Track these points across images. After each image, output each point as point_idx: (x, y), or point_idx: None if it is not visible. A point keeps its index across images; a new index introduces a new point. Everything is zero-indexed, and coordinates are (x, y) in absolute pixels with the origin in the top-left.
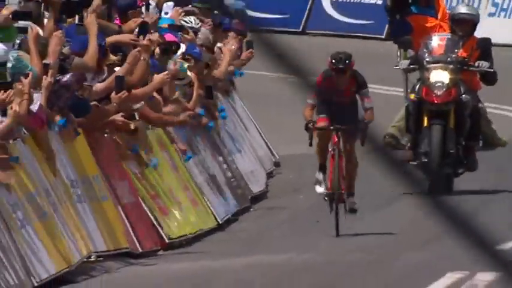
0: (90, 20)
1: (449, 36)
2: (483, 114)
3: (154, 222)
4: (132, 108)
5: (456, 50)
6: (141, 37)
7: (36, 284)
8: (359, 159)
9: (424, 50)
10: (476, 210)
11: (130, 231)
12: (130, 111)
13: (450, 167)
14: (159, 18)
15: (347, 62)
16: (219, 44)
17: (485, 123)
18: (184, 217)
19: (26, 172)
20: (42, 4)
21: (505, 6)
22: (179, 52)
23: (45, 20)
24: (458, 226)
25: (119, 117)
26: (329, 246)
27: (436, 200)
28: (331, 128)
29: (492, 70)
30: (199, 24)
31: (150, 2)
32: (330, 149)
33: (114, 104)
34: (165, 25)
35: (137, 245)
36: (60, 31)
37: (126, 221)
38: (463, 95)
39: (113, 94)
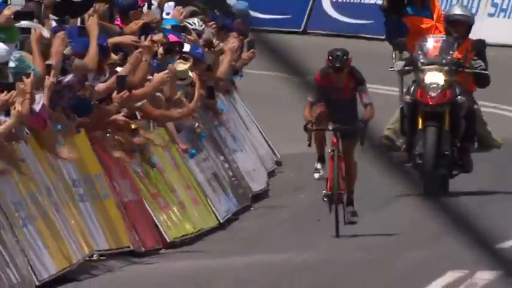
0: (92, 23)
1: (444, 38)
2: (478, 116)
3: (156, 221)
4: (134, 106)
5: (451, 52)
6: (142, 38)
7: (38, 283)
8: (357, 159)
9: (419, 52)
10: (476, 210)
11: (133, 230)
12: (132, 109)
13: (445, 169)
14: (162, 18)
15: (344, 59)
16: (221, 44)
17: (480, 125)
18: (185, 216)
19: (28, 171)
20: (43, 4)
21: (504, 7)
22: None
23: (49, 21)
24: (461, 225)
25: (120, 116)
26: (329, 246)
27: (438, 200)
28: (330, 128)
29: (486, 72)
30: (203, 26)
31: (153, 1)
32: (329, 150)
33: (116, 104)
34: (168, 26)
35: (139, 243)
36: (63, 32)
37: (128, 219)
38: (458, 97)
39: (115, 94)
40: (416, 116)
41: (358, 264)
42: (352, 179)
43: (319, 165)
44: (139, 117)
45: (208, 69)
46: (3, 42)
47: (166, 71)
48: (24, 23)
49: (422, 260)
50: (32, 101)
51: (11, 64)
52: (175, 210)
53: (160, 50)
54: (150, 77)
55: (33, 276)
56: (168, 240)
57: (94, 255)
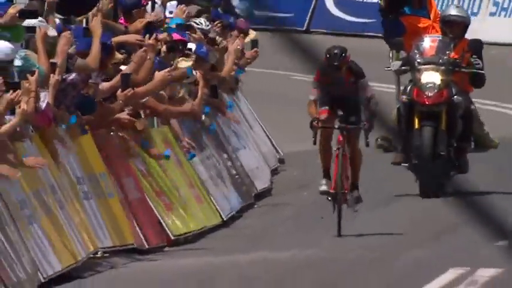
0: (95, 23)
1: (441, 38)
2: (475, 116)
3: (160, 218)
4: (139, 102)
5: (448, 52)
6: (146, 36)
7: (43, 280)
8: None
9: (416, 52)
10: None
11: (137, 228)
12: (137, 106)
13: (441, 169)
14: (165, 17)
15: (342, 56)
16: (224, 42)
17: (477, 125)
18: (189, 214)
19: (33, 169)
20: (46, 2)
21: (505, 6)
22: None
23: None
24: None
25: (124, 115)
26: (332, 244)
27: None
28: (336, 127)
29: (482, 72)
30: (209, 25)
31: (156, 0)
32: (334, 148)
33: (120, 102)
34: (173, 25)
35: (143, 241)
36: (69, 32)
37: (132, 217)
38: (455, 97)
39: (119, 92)
40: (413, 115)
41: (361, 262)
42: (357, 165)
43: (324, 181)
44: (143, 115)
45: (212, 68)
46: (9, 40)
47: (168, 69)
48: (29, 22)
49: (424, 258)
50: (37, 99)
51: (16, 62)
52: (179, 208)
53: (164, 48)
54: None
55: (39, 273)
56: (172, 238)
57: (98, 253)
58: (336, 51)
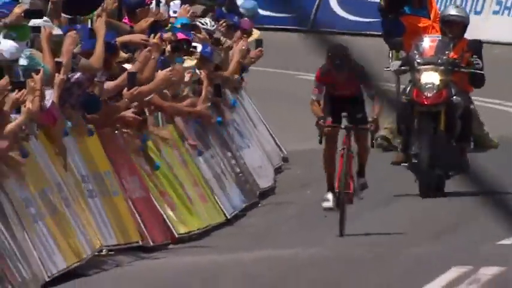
0: (99, 23)
1: (440, 38)
2: (475, 116)
3: (164, 216)
4: (144, 101)
5: (447, 52)
6: (151, 36)
7: (48, 278)
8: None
9: (415, 52)
10: (476, 209)
11: (141, 226)
12: (142, 104)
13: (441, 169)
14: (169, 16)
15: (343, 55)
16: (228, 41)
17: (477, 125)
18: (193, 212)
19: (38, 168)
20: (49, 1)
21: (508, 5)
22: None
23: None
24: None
25: (129, 113)
26: (335, 242)
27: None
28: (342, 127)
29: (482, 72)
30: (215, 25)
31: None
32: (339, 149)
33: (126, 100)
34: (178, 25)
35: (148, 239)
36: (75, 31)
37: (137, 215)
38: (454, 97)
39: (125, 90)
40: (412, 116)
41: (364, 260)
42: (365, 155)
43: (329, 196)
44: (148, 114)
45: (216, 68)
46: (14, 40)
47: (170, 68)
48: (34, 22)
49: (427, 257)
50: (42, 97)
51: (22, 62)
52: (184, 207)
53: (168, 47)
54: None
55: (44, 272)
56: (176, 236)
57: (103, 250)
58: (337, 49)
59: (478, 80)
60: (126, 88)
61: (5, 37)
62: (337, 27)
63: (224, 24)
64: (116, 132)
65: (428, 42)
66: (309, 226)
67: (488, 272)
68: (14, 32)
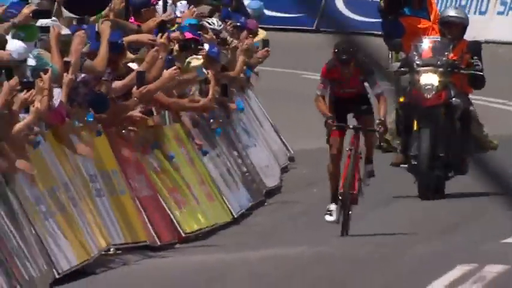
0: (104, 26)
1: (440, 39)
2: (474, 117)
3: (171, 215)
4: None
5: (446, 53)
6: (158, 36)
7: (57, 276)
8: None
9: (414, 53)
10: (477, 209)
11: (148, 225)
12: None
13: (440, 170)
14: (175, 17)
15: (351, 51)
16: (235, 41)
17: (476, 127)
18: (200, 211)
19: (46, 166)
20: (56, 1)
21: None
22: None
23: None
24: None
25: (136, 112)
26: (341, 241)
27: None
28: (351, 127)
29: (482, 74)
30: (222, 25)
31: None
32: (347, 149)
33: (135, 99)
34: (187, 25)
35: (155, 238)
36: (83, 31)
37: (144, 214)
38: (453, 98)
39: (134, 89)
40: (412, 117)
41: (369, 259)
42: (372, 143)
43: (333, 207)
44: (155, 113)
45: (223, 69)
46: (22, 40)
47: (175, 67)
48: (42, 22)
49: (431, 256)
50: (50, 97)
51: (30, 62)
52: (190, 206)
53: (176, 47)
54: None
55: (51, 270)
56: (183, 235)
57: (110, 249)
58: (344, 46)
59: (477, 82)
60: (135, 87)
61: (13, 37)
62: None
63: (232, 25)
64: (124, 131)
65: (427, 44)
66: (315, 225)
67: (493, 270)
68: (22, 32)
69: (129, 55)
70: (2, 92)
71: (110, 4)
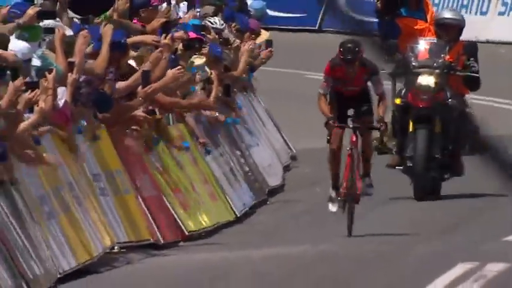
0: (106, 29)
1: (436, 41)
2: (471, 119)
3: (175, 214)
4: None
5: (443, 55)
6: (162, 36)
7: (60, 275)
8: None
9: (410, 54)
10: (475, 209)
11: (152, 224)
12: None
13: (435, 172)
14: (179, 17)
15: (356, 50)
16: (237, 41)
17: (473, 128)
18: (203, 210)
19: (52, 167)
20: (58, 2)
21: None
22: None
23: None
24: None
25: (139, 112)
26: (344, 239)
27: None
28: (351, 126)
29: (477, 75)
30: (224, 25)
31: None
32: (347, 148)
33: (140, 99)
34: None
35: (158, 236)
36: (86, 31)
37: (147, 213)
38: (450, 100)
39: (139, 88)
40: (408, 119)
41: (372, 257)
42: (369, 156)
43: (334, 193)
44: (158, 114)
45: (226, 69)
46: (26, 40)
47: (179, 67)
48: (48, 23)
49: (433, 253)
50: (55, 97)
51: (34, 62)
52: (194, 204)
53: (180, 46)
54: None
55: (56, 268)
56: (186, 233)
57: (114, 248)
58: (349, 45)
59: (473, 83)
60: (140, 86)
61: (18, 37)
62: (346, 27)
63: (236, 26)
64: (127, 131)
65: (423, 45)
66: (318, 224)
67: (494, 268)
68: (26, 32)
69: (132, 53)
70: (7, 92)
71: (113, 5)
